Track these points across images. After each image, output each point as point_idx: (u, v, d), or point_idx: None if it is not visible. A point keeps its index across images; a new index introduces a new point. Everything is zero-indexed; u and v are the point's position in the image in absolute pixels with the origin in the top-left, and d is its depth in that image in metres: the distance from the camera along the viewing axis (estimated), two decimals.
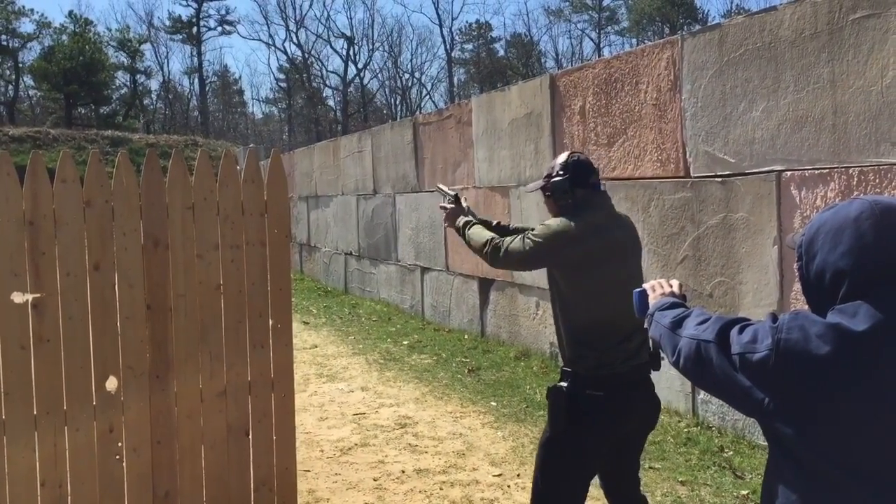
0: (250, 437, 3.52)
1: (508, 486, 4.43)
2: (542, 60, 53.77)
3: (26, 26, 46.74)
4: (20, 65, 46.25)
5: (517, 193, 7.59)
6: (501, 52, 55.80)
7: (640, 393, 2.75)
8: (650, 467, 4.60)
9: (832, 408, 1.37)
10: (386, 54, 56.58)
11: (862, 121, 4.15)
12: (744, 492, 4.20)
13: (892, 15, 4.00)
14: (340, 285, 12.89)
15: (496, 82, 43.13)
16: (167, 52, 67.93)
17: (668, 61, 5.52)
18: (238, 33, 77.46)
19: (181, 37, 53.50)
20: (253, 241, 3.48)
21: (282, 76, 56.16)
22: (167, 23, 53.46)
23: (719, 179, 5.11)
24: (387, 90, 56.98)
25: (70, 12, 49.66)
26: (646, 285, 2.11)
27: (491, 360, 7.41)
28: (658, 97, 5.64)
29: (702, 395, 5.33)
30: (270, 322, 3.52)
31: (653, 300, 2.01)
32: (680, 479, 4.42)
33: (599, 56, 36.64)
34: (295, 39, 56.78)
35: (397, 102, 55.91)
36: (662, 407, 5.53)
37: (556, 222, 2.75)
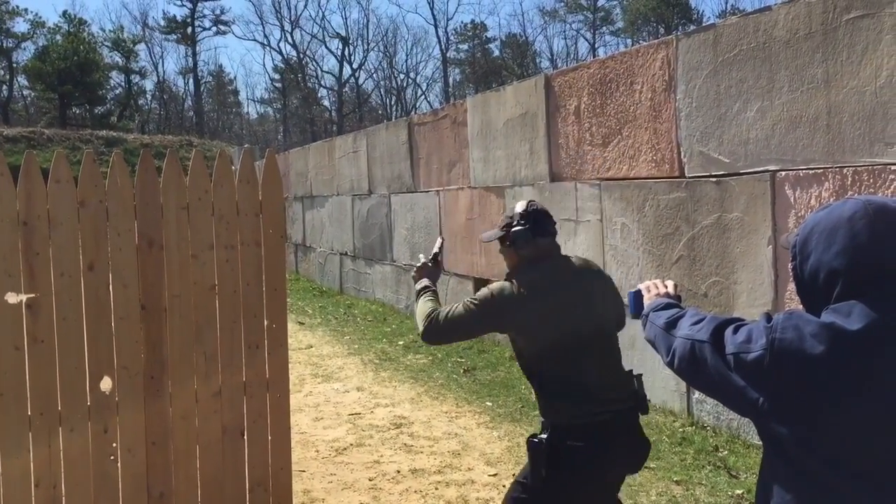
0: (245, 437, 3.51)
1: (504, 486, 4.43)
2: (537, 61, 53.86)
3: (20, 26, 46.61)
4: (14, 65, 46.11)
5: (512, 194, 7.60)
6: (496, 53, 55.85)
7: (624, 439, 2.65)
8: (645, 467, 4.60)
9: (827, 407, 1.36)
10: (381, 54, 56.61)
11: (856, 121, 4.16)
12: (738, 491, 4.20)
13: (885, 15, 4.01)
14: (336, 285, 12.88)
15: (491, 82, 43.15)
16: (162, 53, 67.74)
17: (663, 61, 5.53)
18: (233, 33, 77.32)
19: (176, 37, 53.40)
20: (248, 242, 3.47)
21: (277, 76, 56.13)
22: (162, 23, 53.38)
23: (714, 179, 5.12)
24: (382, 90, 57.00)
25: (64, 12, 49.57)
26: (641, 286, 2.11)
27: (486, 360, 7.41)
28: (653, 97, 5.65)
29: (697, 394, 5.34)
30: (265, 322, 3.51)
31: (648, 301, 2.00)
32: (675, 479, 4.43)
33: (594, 56, 36.68)
34: (290, 39, 56.64)
35: (392, 103, 55.94)
36: (658, 406, 5.57)
37: (497, 287, 2.70)
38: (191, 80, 54.37)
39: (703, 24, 6.28)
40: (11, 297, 3.10)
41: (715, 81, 5.07)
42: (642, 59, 5.75)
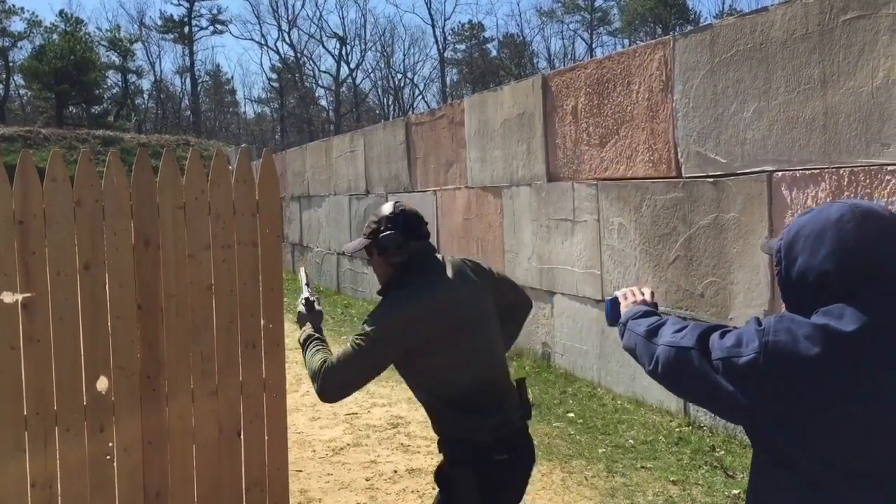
0: (242, 437, 3.50)
1: None
2: (535, 61, 53.87)
3: (17, 25, 46.55)
4: (11, 64, 46.04)
5: (509, 193, 7.60)
6: (494, 53, 55.85)
7: (531, 446, 2.54)
8: (642, 467, 4.61)
9: (822, 409, 1.36)
10: (378, 54, 56.54)
11: (852, 121, 4.17)
12: (735, 491, 4.21)
13: (882, 16, 4.02)
14: (333, 285, 12.87)
15: (488, 83, 43.15)
16: (159, 52, 67.75)
17: (660, 62, 5.53)
18: (230, 33, 77.05)
19: (173, 36, 53.34)
20: (244, 241, 3.46)
21: (274, 76, 56.07)
22: (159, 22, 53.32)
23: (711, 180, 5.12)
24: (379, 90, 56.99)
25: (61, 11, 49.54)
26: (618, 293, 2.06)
27: None
28: (650, 98, 5.65)
29: None
30: (262, 322, 3.51)
31: (625, 308, 1.96)
32: (671, 479, 4.43)
33: (591, 57, 36.69)
34: (287, 39, 56.61)
35: (390, 102, 55.91)
36: (654, 406, 5.58)
37: (381, 311, 2.43)
38: (188, 80, 54.34)
39: (701, 25, 6.29)
40: (7, 297, 3.09)
41: (712, 82, 5.07)
42: (639, 60, 5.75)
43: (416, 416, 5.79)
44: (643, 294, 2.02)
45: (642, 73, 5.72)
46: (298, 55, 54.00)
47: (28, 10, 63.56)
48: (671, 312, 5.48)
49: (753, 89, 4.76)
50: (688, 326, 1.60)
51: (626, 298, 2.01)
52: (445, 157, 8.94)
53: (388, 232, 2.47)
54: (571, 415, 5.71)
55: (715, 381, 1.45)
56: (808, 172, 4.44)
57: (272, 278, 3.53)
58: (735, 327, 1.52)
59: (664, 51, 5.51)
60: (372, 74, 57.22)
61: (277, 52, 56.78)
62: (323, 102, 56.09)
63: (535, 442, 2.61)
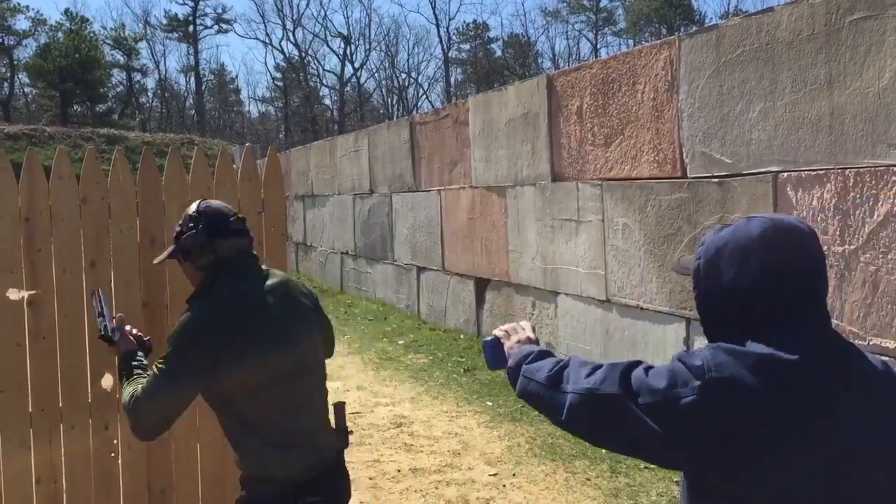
0: None
1: (504, 486, 4.43)
2: (539, 61, 53.84)
3: (22, 23, 46.63)
4: (16, 62, 46.13)
5: (514, 193, 7.59)
6: (498, 53, 55.84)
7: (346, 480, 2.34)
8: (645, 467, 4.60)
9: (774, 450, 1.23)
10: (383, 54, 56.53)
11: (859, 122, 4.16)
12: None
13: (889, 17, 4.01)
14: (336, 284, 12.88)
15: (493, 82, 43.15)
16: (163, 51, 67.86)
17: (666, 62, 5.53)
18: (235, 32, 77.13)
19: (177, 35, 53.38)
20: None
21: (278, 75, 56.10)
22: (163, 21, 53.37)
23: (716, 180, 5.11)
24: (383, 90, 56.98)
25: (66, 10, 49.65)
26: (496, 332, 1.84)
27: None
28: (655, 98, 5.64)
29: None
30: None
31: (510, 348, 1.76)
32: (675, 479, 4.42)
33: (596, 57, 36.70)
34: (292, 38, 56.80)
35: (394, 102, 55.91)
36: None
37: (181, 327, 2.14)
38: (192, 79, 54.38)
39: (706, 25, 6.28)
40: (13, 294, 3.10)
41: (717, 82, 5.07)
42: (645, 60, 5.75)
43: (420, 416, 5.79)
44: (524, 329, 1.83)
45: (648, 73, 5.71)
46: (303, 54, 54.05)
47: (33, 9, 63.73)
48: (676, 313, 5.48)
49: (759, 89, 4.75)
50: (600, 367, 1.43)
51: (508, 337, 1.81)
52: (450, 157, 8.94)
53: (191, 233, 2.20)
54: None
55: (645, 427, 1.29)
56: (813, 173, 4.43)
57: None
58: (652, 365, 1.37)
59: (670, 51, 5.50)
60: (376, 74, 57.28)
61: (282, 52, 56.76)
62: (327, 102, 56.14)
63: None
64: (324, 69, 56.37)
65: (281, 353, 2.15)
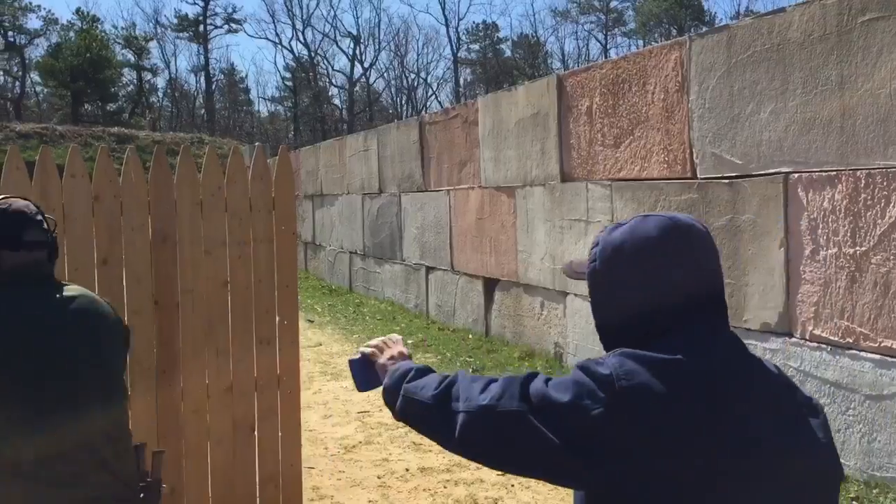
0: (256, 433, 3.52)
1: (512, 486, 4.43)
2: (549, 61, 53.77)
3: (33, 23, 47.02)
4: (27, 61, 46.39)
5: (523, 193, 7.59)
6: (508, 53, 55.79)
7: None
8: None
9: (689, 463, 1.16)
10: (392, 54, 56.63)
11: (870, 123, 4.14)
12: None
13: None
14: (345, 284, 12.90)
15: (502, 83, 43.13)
16: (174, 50, 68.10)
17: (676, 62, 5.52)
18: (245, 31, 77.39)
19: (188, 35, 53.56)
20: (260, 238, 3.49)
21: (288, 75, 56.22)
22: (174, 20, 53.55)
23: (726, 181, 5.10)
24: (392, 90, 57.03)
25: (77, 9, 49.94)
26: (363, 349, 1.69)
27: (495, 359, 7.41)
28: (665, 98, 5.64)
29: None
30: (277, 319, 3.53)
31: (382, 368, 1.61)
32: None
33: (606, 58, 36.64)
34: (301, 38, 56.80)
35: (403, 102, 55.95)
36: None
37: None
38: (202, 78, 54.55)
39: (717, 26, 6.26)
40: None
41: (728, 83, 5.05)
42: (655, 60, 5.74)
43: None
44: (396, 344, 1.68)
45: (658, 73, 5.70)
46: (312, 54, 54.14)
47: (45, 8, 64.07)
48: None
49: (770, 90, 4.74)
50: (494, 381, 1.31)
51: (381, 353, 1.66)
52: (459, 157, 8.95)
53: None
54: None
55: (550, 444, 1.19)
56: (824, 174, 4.41)
57: (287, 275, 3.55)
58: (550, 377, 1.28)
59: (680, 51, 5.49)
60: (385, 74, 57.33)
61: (291, 51, 56.98)
62: (336, 102, 56.22)
63: None
64: (333, 69, 56.47)
65: (36, 373, 1.85)
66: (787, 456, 1.21)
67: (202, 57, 53.70)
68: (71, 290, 1.99)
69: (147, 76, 51.14)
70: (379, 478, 4.60)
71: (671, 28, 46.42)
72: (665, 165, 5.67)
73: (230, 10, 54.73)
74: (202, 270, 3.38)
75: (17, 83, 47.34)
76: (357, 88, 54.75)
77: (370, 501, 4.27)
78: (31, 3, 45.85)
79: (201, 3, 52.24)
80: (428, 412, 1.38)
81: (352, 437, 5.36)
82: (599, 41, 53.72)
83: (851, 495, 4.08)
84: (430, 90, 56.17)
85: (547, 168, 7.17)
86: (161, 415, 3.34)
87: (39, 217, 1.96)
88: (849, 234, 4.28)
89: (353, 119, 50.30)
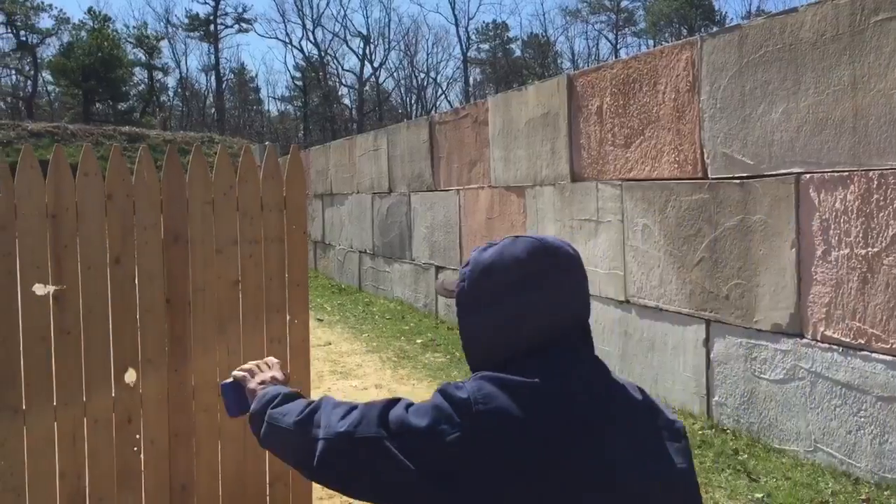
0: None
1: None
2: (559, 61, 53.70)
3: (45, 22, 47.27)
4: (39, 60, 46.66)
5: (533, 193, 7.59)
6: (518, 53, 55.75)
7: None
8: None
9: (553, 493, 1.14)
10: (402, 53, 56.70)
11: (883, 124, 4.12)
12: (758, 495, 4.18)
13: None
14: (354, 283, 12.92)
15: (512, 82, 43.08)
16: (185, 50, 68.43)
17: (687, 62, 5.50)
18: (255, 31, 77.76)
19: (198, 34, 53.76)
20: (271, 237, 3.50)
21: (298, 74, 56.35)
22: (185, 20, 53.77)
23: (737, 181, 5.09)
24: (402, 89, 57.09)
25: (89, 9, 50.09)
26: (236, 373, 1.65)
27: None
28: (676, 98, 5.62)
29: (717, 396, 5.31)
30: (287, 318, 3.54)
31: (252, 392, 1.58)
32: None
33: (616, 57, 36.54)
34: (311, 38, 56.99)
35: (412, 101, 56.00)
36: (677, 409, 5.53)
37: None
38: (213, 78, 54.75)
39: (728, 25, 6.24)
40: (39, 289, 3.14)
41: (740, 83, 5.04)
42: (666, 60, 5.73)
43: None
44: (269, 367, 1.65)
45: (669, 73, 5.69)
46: (322, 54, 54.25)
47: (56, 8, 64.40)
48: (695, 315, 5.45)
49: (782, 90, 4.72)
50: (355, 407, 1.31)
51: (252, 377, 1.62)
52: (469, 157, 8.95)
53: None
54: None
55: (407, 472, 1.17)
56: (836, 175, 4.39)
57: (298, 274, 3.56)
58: (412, 402, 1.28)
59: (691, 51, 5.47)
60: (395, 73, 57.40)
61: (301, 51, 57.17)
62: (346, 101, 56.30)
63: None
64: (343, 68, 56.59)
65: None
66: (642, 478, 1.20)
67: (213, 56, 53.91)
68: None
69: (158, 75, 51.38)
70: None
71: (682, 28, 46.29)
72: (676, 165, 5.66)
73: (240, 9, 55.08)
74: (213, 269, 3.40)
75: (30, 82, 47.63)
76: (367, 88, 54.84)
77: None
78: (43, 3, 46.10)
79: (212, 3, 52.43)
80: (289, 438, 1.36)
81: None
82: (610, 41, 53.65)
83: (862, 497, 4.06)
84: (440, 90, 56.23)
85: (557, 168, 7.17)
86: (172, 413, 3.36)
87: None
88: (861, 235, 4.26)
89: (362, 119, 50.39)
